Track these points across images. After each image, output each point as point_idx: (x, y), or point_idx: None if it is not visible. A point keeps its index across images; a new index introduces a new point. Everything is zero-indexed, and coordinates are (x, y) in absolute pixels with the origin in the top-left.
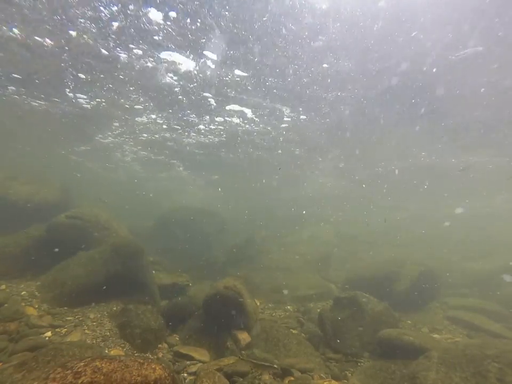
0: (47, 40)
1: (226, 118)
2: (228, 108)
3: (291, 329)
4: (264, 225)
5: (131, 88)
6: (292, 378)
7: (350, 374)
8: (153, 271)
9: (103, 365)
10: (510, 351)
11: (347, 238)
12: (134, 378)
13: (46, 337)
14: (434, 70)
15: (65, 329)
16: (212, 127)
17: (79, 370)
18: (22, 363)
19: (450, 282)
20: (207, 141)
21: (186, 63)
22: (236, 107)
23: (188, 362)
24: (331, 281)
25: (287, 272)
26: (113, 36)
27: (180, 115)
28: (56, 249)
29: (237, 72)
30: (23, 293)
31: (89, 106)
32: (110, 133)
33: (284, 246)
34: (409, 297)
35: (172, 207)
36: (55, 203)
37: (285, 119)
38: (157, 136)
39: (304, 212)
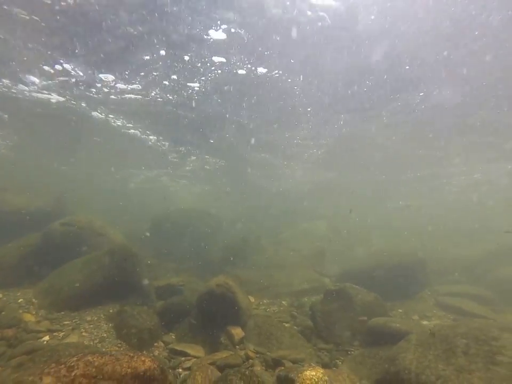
0: None
1: None
2: None
3: (284, 323)
4: (259, 223)
5: None
6: (283, 368)
7: (340, 362)
8: (149, 273)
9: (94, 359)
10: (477, 328)
11: (341, 233)
12: (124, 370)
13: (44, 341)
14: None
15: (63, 333)
16: None
17: (72, 364)
18: (20, 364)
19: (441, 269)
20: None
21: None
22: None
23: (183, 358)
24: (325, 276)
25: (282, 269)
26: None
27: None
28: (52, 257)
29: None
30: (20, 300)
31: None
32: None
33: (278, 243)
34: (401, 287)
35: (167, 209)
36: (49, 212)
37: None
38: None
39: (297, 208)
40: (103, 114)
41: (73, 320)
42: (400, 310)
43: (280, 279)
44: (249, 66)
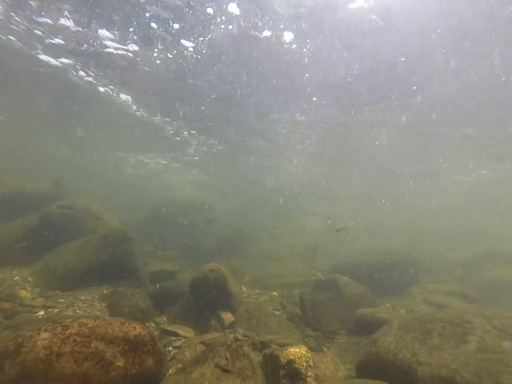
0: None
1: None
2: None
3: (274, 311)
4: (255, 218)
5: None
6: (269, 348)
7: (326, 349)
8: (144, 261)
9: (88, 321)
10: (454, 314)
11: (335, 229)
12: (116, 333)
13: (39, 315)
14: None
15: (57, 309)
16: None
17: (67, 324)
18: (18, 328)
19: (431, 269)
20: None
21: None
22: None
23: (173, 338)
24: (318, 270)
25: (275, 262)
26: None
27: None
28: (49, 238)
29: None
30: (16, 278)
31: None
32: None
33: (273, 238)
34: (391, 283)
35: (163, 200)
36: (47, 195)
37: None
38: None
39: (289, 206)
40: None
41: (68, 299)
42: (388, 305)
43: (273, 272)
44: (278, 25)
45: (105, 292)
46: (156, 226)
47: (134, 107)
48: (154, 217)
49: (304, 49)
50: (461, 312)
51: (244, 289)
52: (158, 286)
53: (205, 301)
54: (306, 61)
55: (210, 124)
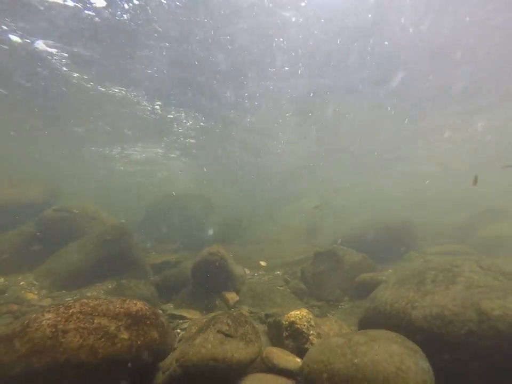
0: None
1: None
2: None
3: (277, 287)
4: (252, 204)
5: None
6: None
7: (331, 315)
8: (145, 254)
9: (89, 301)
10: (445, 261)
11: (334, 208)
12: (118, 310)
13: None
14: None
15: None
16: None
17: (69, 304)
18: None
19: (430, 234)
20: None
21: None
22: None
23: (181, 321)
24: (318, 247)
25: (275, 244)
26: None
27: None
28: (47, 242)
29: None
30: (21, 283)
31: None
32: None
33: (272, 222)
34: (391, 250)
35: (161, 195)
36: (45, 204)
37: None
38: None
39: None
40: None
41: (74, 297)
42: (390, 270)
43: (274, 254)
44: None
45: (110, 286)
46: (155, 221)
47: (73, 72)
48: (153, 214)
49: (303, 3)
50: (451, 260)
51: (248, 271)
52: (161, 274)
53: (208, 283)
54: (294, 20)
55: (171, 92)
